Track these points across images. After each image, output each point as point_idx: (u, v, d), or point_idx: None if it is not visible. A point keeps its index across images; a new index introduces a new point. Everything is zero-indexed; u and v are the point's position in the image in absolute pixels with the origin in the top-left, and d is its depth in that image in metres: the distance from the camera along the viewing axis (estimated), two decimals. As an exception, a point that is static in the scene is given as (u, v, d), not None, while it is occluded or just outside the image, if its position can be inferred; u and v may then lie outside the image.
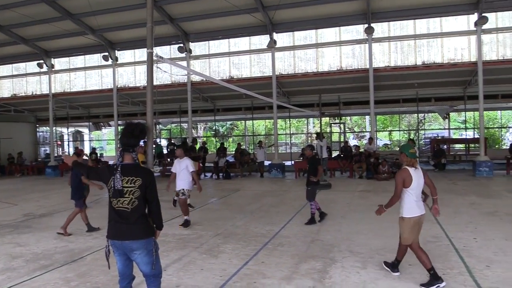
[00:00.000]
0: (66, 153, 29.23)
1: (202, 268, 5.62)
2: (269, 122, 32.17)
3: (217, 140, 29.92)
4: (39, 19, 18.35)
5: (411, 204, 4.89)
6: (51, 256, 6.49)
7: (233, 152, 22.23)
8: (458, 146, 23.78)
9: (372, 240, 6.82)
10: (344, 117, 25.84)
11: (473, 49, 17.05)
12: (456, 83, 19.33)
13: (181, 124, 27.53)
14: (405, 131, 31.48)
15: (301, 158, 18.38)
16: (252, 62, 20.01)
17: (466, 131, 26.26)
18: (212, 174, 18.79)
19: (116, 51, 21.65)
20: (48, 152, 28.06)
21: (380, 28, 17.89)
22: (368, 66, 17.67)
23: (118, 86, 22.00)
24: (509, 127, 29.08)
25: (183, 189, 8.49)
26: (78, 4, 17.57)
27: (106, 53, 21.22)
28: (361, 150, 17.91)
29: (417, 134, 26.76)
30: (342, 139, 22.73)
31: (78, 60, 23.03)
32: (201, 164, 18.26)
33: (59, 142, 33.06)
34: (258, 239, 7.12)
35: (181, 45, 19.81)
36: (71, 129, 32.16)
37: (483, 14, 15.99)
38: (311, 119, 31.76)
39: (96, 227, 8.19)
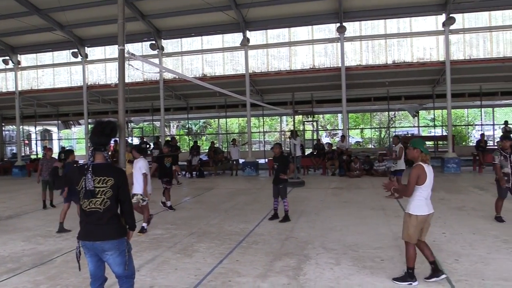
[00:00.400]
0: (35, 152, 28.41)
1: (176, 268, 5.56)
2: (242, 120, 32.16)
3: (190, 138, 29.66)
4: (4, 14, 17.73)
5: (421, 202, 4.70)
6: (19, 259, 6.29)
7: (207, 151, 22.11)
8: (427, 143, 24.33)
9: (345, 237, 6.91)
10: (317, 115, 26.08)
11: (441, 49, 17.52)
12: (425, 82, 19.81)
13: (154, 122, 27.18)
14: (376, 129, 32.04)
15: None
16: (225, 60, 19.95)
17: (434, 128, 26.96)
18: (186, 172, 18.63)
19: (86, 47, 21.18)
20: (15, 151, 27.21)
21: (352, 28, 18.15)
22: (340, 65, 17.90)
23: (88, 84, 21.52)
24: (476, 125, 29.99)
25: (136, 194, 7.72)
26: (46, -1, 17.11)
27: (76, 50, 20.72)
28: (334, 147, 18.12)
29: (387, 132, 27.28)
30: (315, 137, 22.94)
31: (46, 57, 22.41)
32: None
33: (27, 142, 32.09)
34: (233, 238, 7.11)
35: (153, 42, 19.56)
36: (39, 128, 31.23)
37: (451, 15, 16.44)
38: (284, 117, 31.89)
39: (68, 230, 7.95)
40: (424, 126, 30.40)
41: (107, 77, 21.41)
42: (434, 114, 26.11)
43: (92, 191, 3.41)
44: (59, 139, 33.33)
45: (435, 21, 17.59)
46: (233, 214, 9.27)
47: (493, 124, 25.45)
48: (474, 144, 18.89)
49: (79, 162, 9.43)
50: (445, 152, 18.13)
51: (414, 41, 18.04)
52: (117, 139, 4.30)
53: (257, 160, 19.09)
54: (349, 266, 5.42)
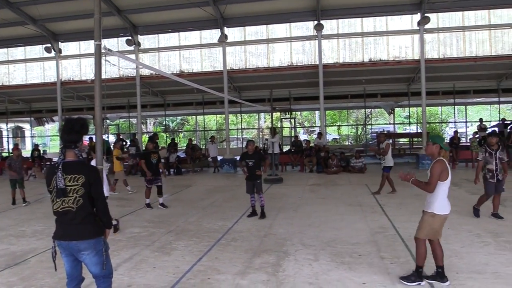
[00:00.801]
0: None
1: (154, 266, 5.50)
2: (220, 117, 32.10)
3: (167, 135, 29.39)
4: (-27, 7, 17.19)
5: (444, 200, 4.61)
6: (-10, 259, 6.11)
7: (184, 148, 21.95)
8: (402, 140, 24.79)
9: (323, 233, 6.97)
10: (294, 112, 26.21)
11: (416, 48, 17.85)
12: (401, 80, 20.15)
13: (130, 119, 26.81)
14: (353, 126, 32.43)
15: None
16: (203, 56, 19.82)
17: (409, 125, 27.46)
18: (163, 170, 18.43)
19: (59, 42, 20.71)
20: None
21: (329, 25, 18.30)
22: (317, 62, 18.03)
23: (62, 80, 21.06)
24: (449, 122, 30.72)
25: None
26: (17, -8, 16.64)
27: (49, 45, 20.23)
28: (311, 144, 18.25)
29: (364, 128, 27.65)
30: (292, 134, 23.06)
31: (18, 52, 21.81)
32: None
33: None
34: (211, 235, 7.08)
35: (129, 38, 19.27)
36: (11, 125, 30.41)
37: (426, 14, 16.77)
38: (262, 114, 31.96)
39: None
40: (399, 123, 30.94)
41: (82, 73, 20.99)
42: (409, 112, 26.63)
43: (64, 190, 3.33)
44: (31, 136, 32.53)
45: (410, 20, 17.91)
46: (212, 212, 9.23)
47: (466, 122, 26.10)
48: (448, 141, 19.33)
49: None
50: (419, 148, 18.49)
51: (390, 40, 18.33)
52: (92, 136, 4.21)
53: (235, 157, 19.05)
54: (328, 262, 5.47)
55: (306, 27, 18.66)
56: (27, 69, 21.83)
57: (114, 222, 7.47)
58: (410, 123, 27.10)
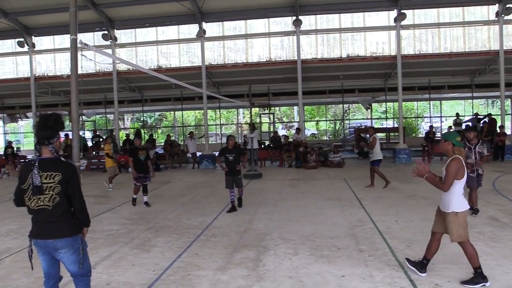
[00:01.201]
0: None
1: (133, 264, 5.45)
2: (199, 112, 31.89)
3: (145, 131, 29.06)
4: None
5: (461, 197, 4.42)
6: (-37, 260, 5.95)
7: (163, 144, 21.76)
8: (379, 135, 25.13)
9: (302, 227, 7.03)
10: (273, 108, 26.27)
11: (393, 44, 18.14)
12: (378, 76, 20.43)
13: (107, 115, 26.40)
14: (331, 121, 32.72)
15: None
16: (181, 51, 19.67)
17: (386, 120, 27.90)
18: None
19: (33, 36, 20.19)
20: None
21: (308, 21, 18.40)
22: (296, 58, 18.10)
23: (36, 75, 20.57)
24: (425, 117, 31.29)
25: None
26: (-13, -16, 16.15)
27: (22, 39, 19.71)
28: (290, 140, 18.34)
29: (342, 124, 27.93)
30: (271, 129, 23.12)
31: (-11, 46, 21.20)
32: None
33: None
34: (191, 231, 7.05)
35: (106, 32, 18.94)
36: (-17, 121, 29.55)
37: (402, 11, 17.02)
38: (241, 110, 31.91)
39: None
40: (376, 118, 31.34)
41: (57, 68, 20.55)
42: (386, 107, 27.03)
43: (40, 187, 3.27)
44: (4, 133, 31.66)
45: (387, 17, 18.19)
46: (191, 208, 9.19)
47: (441, 116, 26.68)
48: (424, 136, 19.73)
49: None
50: (396, 143, 18.81)
51: (367, 36, 18.56)
52: (68, 132, 4.14)
53: (214, 153, 18.97)
54: (307, 255, 5.52)
55: (285, 23, 18.72)
56: (-1, 64, 21.27)
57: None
58: (387, 118, 27.54)
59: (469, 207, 4.43)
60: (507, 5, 16.93)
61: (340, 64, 18.92)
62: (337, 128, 31.57)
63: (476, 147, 7.60)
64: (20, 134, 36.30)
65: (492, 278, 4.45)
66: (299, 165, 16.59)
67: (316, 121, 35.24)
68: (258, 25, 18.99)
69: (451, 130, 18.48)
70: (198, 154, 18.55)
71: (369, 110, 25.79)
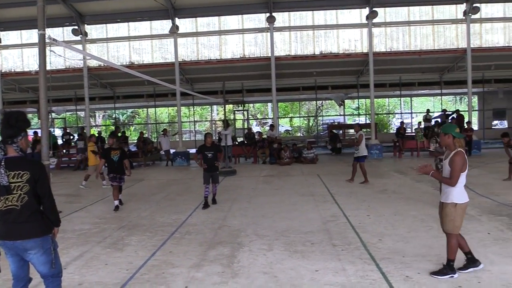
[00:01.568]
0: None
1: (106, 263, 5.37)
2: (172, 109, 31.57)
3: (112, 129, 28.60)
4: None
5: (462, 189, 4.43)
6: None
7: (136, 141, 21.47)
8: (352, 131, 25.50)
9: (277, 223, 7.08)
10: (247, 104, 26.30)
11: (365, 41, 18.43)
12: (350, 72, 20.73)
13: (78, 112, 25.85)
14: (305, 118, 32.99)
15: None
16: (153, 47, 19.43)
17: (359, 117, 28.33)
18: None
19: (-1, 31, 19.54)
20: None
21: (282, 18, 18.48)
22: (270, 55, 18.15)
23: (3, 71, 19.92)
24: (396, 113, 31.95)
25: None
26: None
27: (-14, 34, 19.05)
28: (264, 136, 18.40)
29: (315, 120, 28.21)
30: (245, 126, 23.14)
31: (-48, 41, 20.37)
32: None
33: None
34: (165, 229, 7.00)
35: (76, 27, 18.49)
36: None
37: (374, 9, 17.32)
38: (215, 107, 31.81)
39: None
40: (349, 115, 31.78)
41: (24, 64, 19.96)
42: (358, 103, 27.43)
43: (7, 187, 3.18)
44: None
45: (359, 15, 18.46)
46: (165, 205, 9.12)
47: (411, 113, 27.29)
48: (395, 131, 20.14)
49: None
50: (368, 139, 19.11)
51: (340, 33, 18.79)
52: (38, 130, 4.03)
53: (188, 150, 18.87)
54: (282, 251, 5.56)
55: (259, 19, 18.74)
56: (-37, 59, 20.50)
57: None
58: (359, 115, 27.96)
59: (468, 199, 4.46)
60: (474, 4, 17.45)
61: (314, 61, 19.09)
62: (310, 124, 31.88)
63: None
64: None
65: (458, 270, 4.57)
66: (273, 162, 16.67)
67: (290, 117, 35.47)
68: (232, 21, 18.94)
69: (420, 126, 18.93)
70: (172, 151, 18.40)
71: (342, 106, 26.13)
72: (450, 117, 19.18)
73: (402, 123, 19.27)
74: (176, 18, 18.11)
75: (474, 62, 18.06)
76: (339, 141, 20.19)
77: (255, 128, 29.42)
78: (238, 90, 21.62)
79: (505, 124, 27.04)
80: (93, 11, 18.52)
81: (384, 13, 18.36)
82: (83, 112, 22.70)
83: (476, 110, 25.81)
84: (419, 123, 20.06)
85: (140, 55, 19.51)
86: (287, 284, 4.45)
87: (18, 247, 3.26)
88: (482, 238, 4.41)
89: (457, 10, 18.44)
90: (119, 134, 17.91)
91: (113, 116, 32.40)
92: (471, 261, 4.58)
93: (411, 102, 27.44)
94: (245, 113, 24.88)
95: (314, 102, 26.81)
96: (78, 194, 11.16)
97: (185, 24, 18.81)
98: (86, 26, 19.00)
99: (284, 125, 34.49)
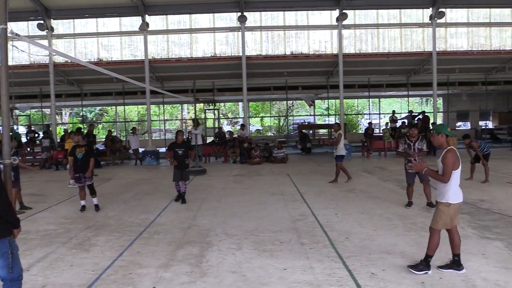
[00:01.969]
0: None
1: (71, 264, 5.25)
2: (142, 107, 31.17)
3: (84, 126, 27.95)
4: None
5: (457, 188, 4.51)
6: None
7: (104, 140, 21.04)
8: (322, 131, 25.87)
9: (246, 222, 7.09)
10: (218, 103, 26.22)
11: (335, 42, 18.70)
12: (321, 73, 20.99)
13: (43, 109, 25.11)
14: (276, 117, 33.17)
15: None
16: (123, 44, 19.10)
17: (328, 117, 28.71)
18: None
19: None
20: None
21: (253, 17, 18.53)
22: (241, 54, 18.15)
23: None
24: (364, 114, 32.58)
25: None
26: None
27: None
28: (235, 135, 18.39)
29: (286, 120, 28.40)
30: (216, 125, 23.06)
31: None
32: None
33: None
34: (133, 229, 6.90)
35: (41, 22, 17.95)
36: None
37: (344, 11, 17.60)
38: (185, 105, 31.55)
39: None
40: (319, 115, 32.18)
41: (-14, 59, 19.20)
42: (328, 104, 27.79)
43: None
44: None
45: (329, 16, 18.71)
46: (133, 205, 8.98)
47: (379, 113, 27.87)
48: (363, 132, 20.52)
49: None
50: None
51: (310, 34, 19.01)
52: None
53: (157, 149, 18.65)
54: (250, 250, 5.58)
55: (230, 18, 18.70)
56: None
57: None
58: (329, 115, 28.33)
59: (462, 199, 4.57)
60: (440, 9, 18.00)
61: (284, 61, 19.23)
62: (281, 124, 32.09)
63: (415, 143, 7.89)
64: None
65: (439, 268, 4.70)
66: (244, 161, 16.68)
67: (260, 117, 35.59)
68: (203, 20, 18.84)
69: (388, 127, 19.34)
70: (141, 150, 18.13)
71: (312, 106, 26.42)
72: (416, 118, 19.68)
73: (370, 123, 19.64)
74: (147, 15, 17.86)
75: (439, 65, 18.63)
76: (309, 141, 20.42)
77: (226, 128, 29.38)
78: (209, 89, 21.53)
79: (468, 125, 28.00)
80: (60, 6, 18.02)
81: (354, 16, 18.69)
82: (49, 109, 22.04)
83: (441, 112, 26.61)
84: (387, 123, 20.51)
85: (109, 52, 19.14)
86: (255, 283, 4.48)
87: (-26, 251, 3.15)
88: (443, 235, 4.56)
89: (424, 15, 18.98)
90: (83, 131, 17.40)
91: (81, 114, 31.66)
92: (456, 264, 4.63)
93: (379, 103, 28.03)
94: (216, 112, 24.80)
95: (285, 102, 26.98)
96: (43, 193, 10.85)
97: (155, 22, 18.57)
98: (52, 21, 18.47)
99: (255, 125, 34.59)
